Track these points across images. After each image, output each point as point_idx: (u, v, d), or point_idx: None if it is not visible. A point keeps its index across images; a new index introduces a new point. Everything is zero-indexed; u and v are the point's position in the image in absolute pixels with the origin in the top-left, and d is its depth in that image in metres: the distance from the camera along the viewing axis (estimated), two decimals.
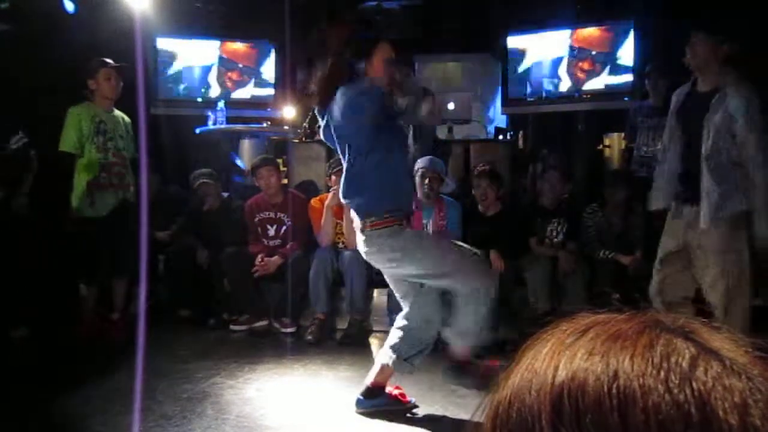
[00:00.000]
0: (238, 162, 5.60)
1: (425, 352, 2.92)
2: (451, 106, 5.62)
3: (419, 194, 4.27)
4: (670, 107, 3.14)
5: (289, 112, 5.76)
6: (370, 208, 2.68)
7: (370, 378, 2.93)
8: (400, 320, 2.92)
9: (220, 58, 5.85)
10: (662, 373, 0.36)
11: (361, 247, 2.77)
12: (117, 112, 4.18)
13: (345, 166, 2.78)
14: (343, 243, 4.38)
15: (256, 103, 5.88)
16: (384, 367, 2.90)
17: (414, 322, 2.87)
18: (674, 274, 3.09)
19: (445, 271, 2.75)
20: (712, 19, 3.19)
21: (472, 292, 2.75)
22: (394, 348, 2.87)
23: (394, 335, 2.90)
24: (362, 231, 2.71)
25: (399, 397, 2.95)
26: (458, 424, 2.80)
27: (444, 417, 2.93)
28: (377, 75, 2.69)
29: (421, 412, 2.99)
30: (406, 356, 2.86)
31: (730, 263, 2.88)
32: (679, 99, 3.09)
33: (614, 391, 0.36)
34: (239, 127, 5.43)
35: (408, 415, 2.96)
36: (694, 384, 0.36)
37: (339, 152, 2.83)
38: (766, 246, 2.90)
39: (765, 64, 3.34)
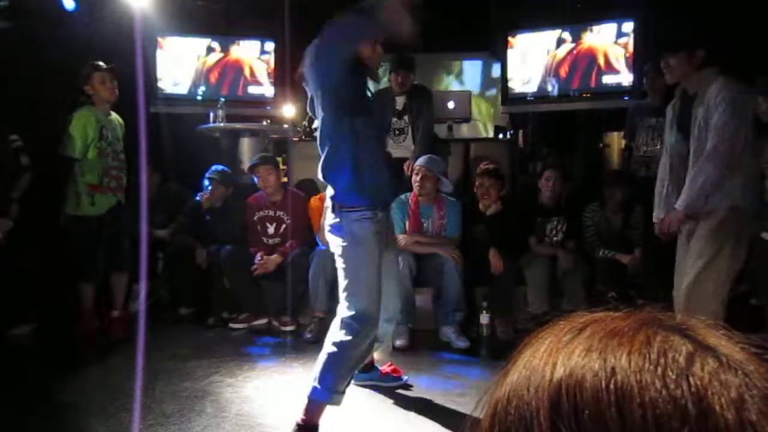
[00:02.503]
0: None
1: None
2: (451, 105, 5.63)
3: (416, 192, 4.28)
4: (668, 118, 3.12)
5: (288, 110, 5.76)
6: (341, 200, 2.62)
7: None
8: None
9: (221, 56, 5.84)
10: (659, 369, 0.37)
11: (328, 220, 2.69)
12: (113, 115, 4.20)
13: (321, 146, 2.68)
14: None
15: (256, 101, 5.88)
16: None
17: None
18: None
19: (352, 286, 2.59)
20: (673, 31, 3.18)
21: (351, 322, 2.55)
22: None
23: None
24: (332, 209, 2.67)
25: None
26: (458, 421, 2.80)
27: (443, 415, 2.94)
28: (370, 56, 2.65)
29: (420, 410, 2.99)
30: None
31: (704, 262, 2.83)
32: (675, 109, 3.07)
33: (612, 387, 0.37)
34: (239, 125, 5.43)
35: (408, 412, 2.97)
36: (690, 379, 0.36)
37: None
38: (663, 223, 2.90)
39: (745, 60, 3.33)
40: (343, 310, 2.60)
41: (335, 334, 2.59)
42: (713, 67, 2.87)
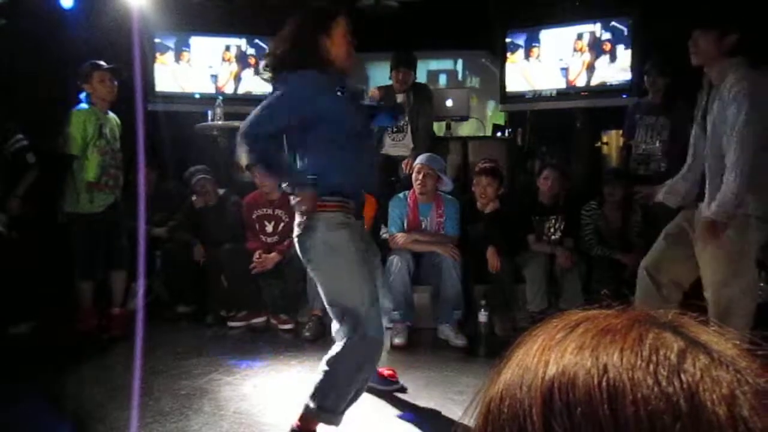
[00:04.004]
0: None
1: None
2: (449, 103, 5.62)
3: (416, 191, 4.28)
4: (696, 111, 2.96)
5: None
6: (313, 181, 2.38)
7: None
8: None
9: (220, 54, 5.84)
10: (651, 366, 0.37)
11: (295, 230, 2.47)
12: (111, 114, 4.20)
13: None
14: None
15: (254, 99, 5.87)
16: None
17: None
18: (674, 257, 2.93)
19: (340, 300, 2.39)
20: (710, 10, 3.00)
21: (350, 341, 2.36)
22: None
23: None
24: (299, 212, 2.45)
25: None
26: (456, 420, 2.80)
27: (441, 413, 2.94)
28: (338, 51, 2.46)
29: (418, 408, 3.00)
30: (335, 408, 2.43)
31: (726, 265, 2.74)
32: (701, 101, 2.90)
33: (604, 384, 0.37)
34: (237, 123, 5.42)
35: (406, 410, 2.97)
36: (682, 376, 0.36)
37: None
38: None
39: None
40: (336, 327, 2.44)
41: (332, 350, 2.43)
42: (739, 57, 2.67)
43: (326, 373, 2.39)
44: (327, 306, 2.46)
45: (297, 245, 2.46)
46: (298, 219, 2.46)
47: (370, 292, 2.40)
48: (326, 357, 2.43)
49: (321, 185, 2.38)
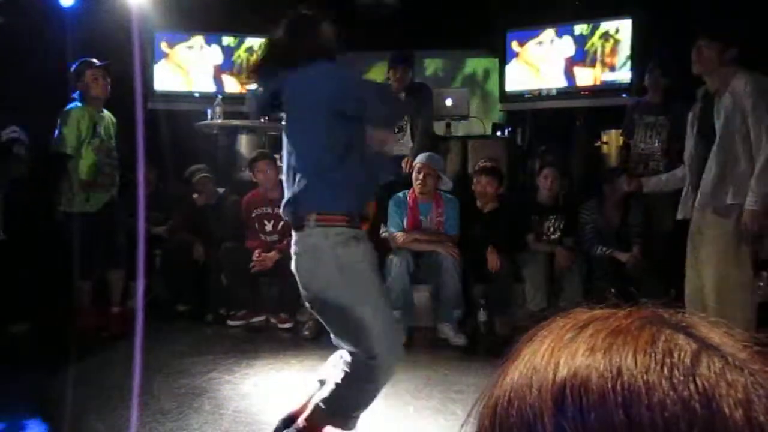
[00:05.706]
0: None
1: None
2: (449, 102, 5.62)
3: (416, 190, 4.28)
4: (689, 121, 3.10)
5: None
6: (315, 206, 2.17)
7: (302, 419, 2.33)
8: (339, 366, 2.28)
9: (222, 52, 5.83)
10: (666, 370, 0.36)
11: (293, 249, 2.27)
12: (105, 112, 4.19)
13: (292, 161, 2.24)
14: None
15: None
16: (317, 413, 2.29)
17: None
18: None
19: (350, 329, 2.17)
20: (715, 21, 3.12)
21: (368, 361, 2.15)
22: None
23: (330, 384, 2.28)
24: (299, 228, 2.21)
25: None
26: (456, 419, 2.80)
27: (441, 413, 2.94)
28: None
29: (418, 407, 2.99)
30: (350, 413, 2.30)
31: (723, 260, 2.82)
32: (695, 113, 3.05)
33: (618, 387, 0.36)
34: (237, 122, 5.42)
35: (406, 409, 2.97)
36: (698, 380, 0.36)
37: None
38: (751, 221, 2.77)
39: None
40: (352, 350, 2.20)
41: (348, 364, 2.23)
42: (737, 65, 2.84)
43: (341, 380, 2.23)
44: (339, 335, 2.25)
45: (296, 268, 2.21)
46: (295, 236, 2.21)
47: (389, 319, 2.26)
48: (342, 365, 2.26)
49: (324, 207, 2.19)
